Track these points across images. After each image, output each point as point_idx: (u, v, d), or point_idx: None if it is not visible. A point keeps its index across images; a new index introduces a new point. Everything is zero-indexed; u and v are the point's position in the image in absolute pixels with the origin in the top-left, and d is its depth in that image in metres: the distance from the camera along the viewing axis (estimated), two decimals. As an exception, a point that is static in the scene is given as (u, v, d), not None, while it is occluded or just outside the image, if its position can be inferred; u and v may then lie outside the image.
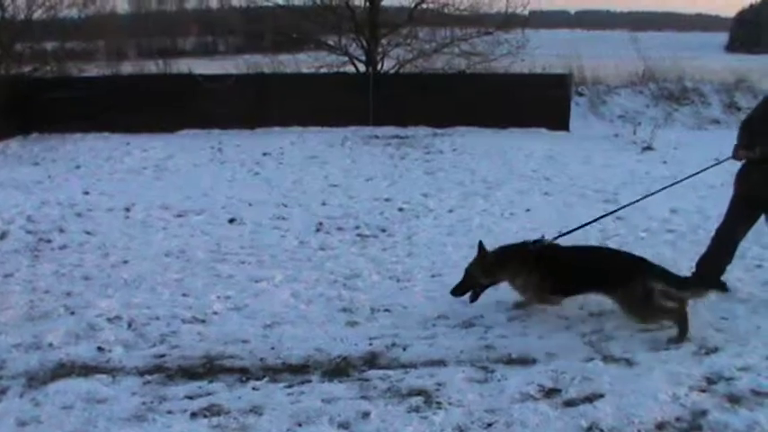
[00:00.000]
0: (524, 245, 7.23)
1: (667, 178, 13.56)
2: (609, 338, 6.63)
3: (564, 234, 7.57)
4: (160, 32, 59.51)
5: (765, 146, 7.37)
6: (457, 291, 7.24)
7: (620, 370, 5.92)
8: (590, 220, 8.29)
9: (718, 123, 21.92)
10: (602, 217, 8.53)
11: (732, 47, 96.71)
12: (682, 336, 6.54)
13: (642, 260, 6.98)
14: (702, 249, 7.93)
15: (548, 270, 6.97)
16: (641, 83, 24.20)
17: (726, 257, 7.80)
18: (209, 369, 6.00)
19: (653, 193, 8.91)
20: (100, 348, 6.36)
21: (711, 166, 8.45)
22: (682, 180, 8.66)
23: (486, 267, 7.14)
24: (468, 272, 7.24)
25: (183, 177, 14.36)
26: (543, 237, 7.30)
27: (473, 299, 7.22)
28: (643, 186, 12.96)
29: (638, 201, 8.86)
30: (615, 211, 8.92)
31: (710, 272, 7.80)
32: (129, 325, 6.91)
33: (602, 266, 7.00)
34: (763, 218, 7.61)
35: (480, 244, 7.22)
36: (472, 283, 7.20)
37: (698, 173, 8.53)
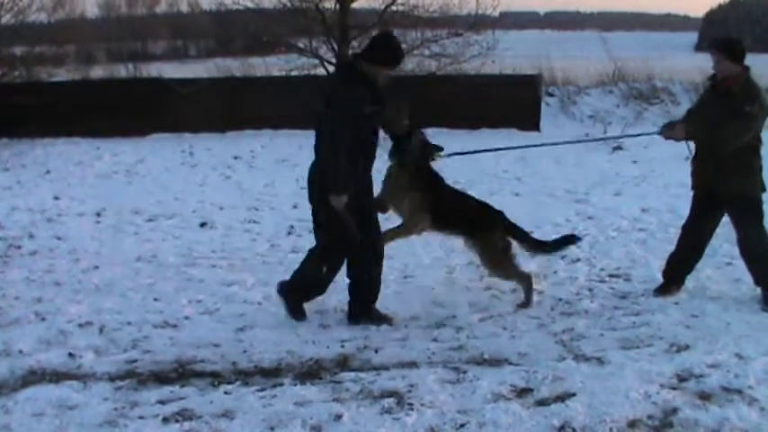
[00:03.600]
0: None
1: (637, 178, 13.70)
2: (580, 337, 6.67)
3: None
4: (130, 36, 59.26)
5: (691, 127, 7.40)
6: None
7: (592, 369, 5.95)
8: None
9: (687, 122, 22.05)
10: None
11: (701, 46, 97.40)
12: (528, 301, 7.47)
13: (502, 214, 7.59)
14: (673, 248, 8.00)
15: (431, 198, 7.32)
16: (611, 83, 24.32)
17: (694, 255, 7.86)
18: (180, 374, 5.98)
19: None
20: (71, 354, 6.31)
21: (637, 135, 9.46)
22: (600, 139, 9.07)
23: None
24: None
25: (154, 181, 14.30)
26: None
27: None
28: (614, 186, 13.04)
29: None
30: None
31: (679, 270, 7.86)
32: (100, 330, 6.87)
33: (471, 212, 7.54)
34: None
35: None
36: None
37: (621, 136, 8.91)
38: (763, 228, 7.53)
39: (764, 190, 7.50)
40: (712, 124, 7.22)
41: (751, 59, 7.47)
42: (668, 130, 7.52)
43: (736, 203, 7.46)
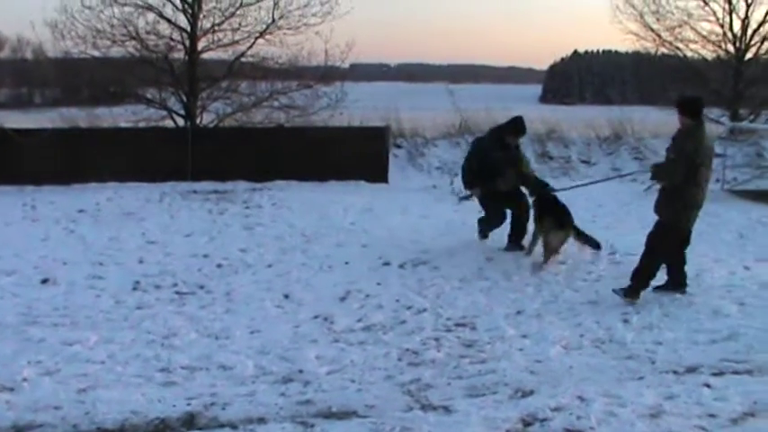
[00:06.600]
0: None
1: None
2: (428, 387, 6.79)
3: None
4: (-29, 83, 57.39)
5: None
6: None
7: (439, 417, 6.05)
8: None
9: (531, 172, 22.64)
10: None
11: (546, 98, 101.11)
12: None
13: None
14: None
15: None
16: (457, 134, 24.73)
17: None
18: (17, 439, 5.78)
19: None
20: None
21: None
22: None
23: None
24: None
25: (-7, 237, 13.78)
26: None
27: None
28: (456, 237, 13.23)
29: None
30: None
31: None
32: (-68, 395, 6.59)
33: None
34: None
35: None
36: None
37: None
38: (663, 248, 9.20)
39: (686, 226, 9.16)
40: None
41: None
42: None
43: (657, 224, 9.23)
